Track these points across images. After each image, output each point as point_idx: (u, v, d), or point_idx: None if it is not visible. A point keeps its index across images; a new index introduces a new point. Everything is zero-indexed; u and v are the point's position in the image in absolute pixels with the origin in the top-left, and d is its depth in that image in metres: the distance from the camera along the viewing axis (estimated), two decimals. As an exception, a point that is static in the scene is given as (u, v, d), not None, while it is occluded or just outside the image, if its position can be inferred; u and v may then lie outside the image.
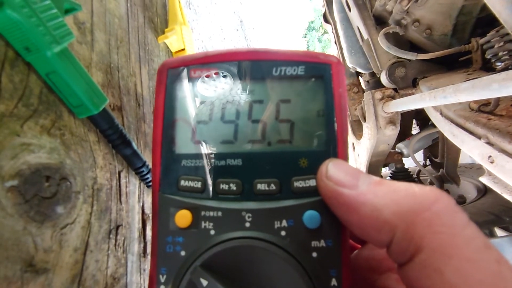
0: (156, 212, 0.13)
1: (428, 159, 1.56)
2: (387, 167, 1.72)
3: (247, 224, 0.13)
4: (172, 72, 0.15)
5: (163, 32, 0.45)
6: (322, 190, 0.13)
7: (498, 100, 0.72)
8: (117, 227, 0.26)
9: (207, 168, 0.14)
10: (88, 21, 0.29)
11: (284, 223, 0.13)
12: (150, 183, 0.31)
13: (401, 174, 1.45)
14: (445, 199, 0.11)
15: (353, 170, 0.12)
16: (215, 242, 0.13)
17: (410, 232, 0.10)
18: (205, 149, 0.14)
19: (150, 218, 0.30)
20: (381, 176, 1.51)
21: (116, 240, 0.25)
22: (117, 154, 0.28)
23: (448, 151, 1.28)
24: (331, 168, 0.13)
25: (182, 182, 0.13)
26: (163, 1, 0.47)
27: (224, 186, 0.13)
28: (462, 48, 0.95)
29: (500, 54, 0.82)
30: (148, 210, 0.31)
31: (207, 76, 0.15)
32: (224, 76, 0.15)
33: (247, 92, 0.15)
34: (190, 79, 0.15)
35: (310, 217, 0.13)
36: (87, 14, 0.29)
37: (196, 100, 0.15)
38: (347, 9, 1.32)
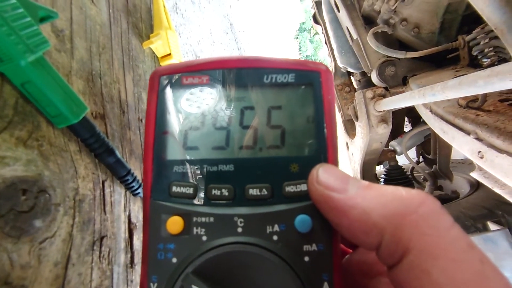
0: (147, 219, 0.13)
1: (421, 156, 1.57)
2: (381, 165, 1.73)
3: (239, 230, 0.13)
4: (164, 79, 0.15)
5: (148, 38, 0.45)
6: (313, 195, 0.13)
7: (485, 96, 0.73)
8: (102, 238, 0.25)
9: (198, 174, 0.14)
10: (67, 28, 0.29)
11: (276, 227, 0.13)
12: (136, 192, 0.30)
13: (395, 172, 1.45)
14: (430, 202, 0.11)
15: (343, 174, 0.13)
16: (207, 248, 0.12)
17: (398, 235, 0.10)
18: (196, 155, 0.14)
19: (137, 227, 0.30)
20: (376, 174, 1.52)
21: (100, 252, 0.24)
22: (100, 163, 0.28)
23: (440, 148, 1.29)
24: (322, 173, 0.13)
25: (174, 188, 0.13)
26: (148, 6, 0.47)
27: (216, 192, 0.13)
28: (449, 45, 0.96)
29: (486, 50, 0.83)
30: (135, 219, 0.31)
31: (199, 83, 0.15)
32: (216, 83, 0.15)
33: (239, 99, 0.15)
34: (182, 86, 0.15)
35: (302, 221, 0.13)
36: (66, 22, 0.29)
37: (188, 107, 0.15)
38: (336, 10, 1.32)
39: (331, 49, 1.50)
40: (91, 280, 0.23)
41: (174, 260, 0.13)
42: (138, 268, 0.28)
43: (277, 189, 0.13)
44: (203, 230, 0.13)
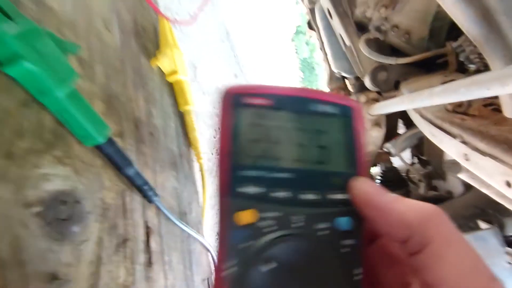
0: (224, 212, 0.17)
1: (415, 157, 1.60)
2: (378, 167, 1.75)
3: (293, 225, 0.17)
4: (235, 97, 0.19)
5: (155, 56, 0.49)
6: (357, 198, 0.17)
7: (470, 101, 0.77)
8: (124, 241, 0.29)
9: (265, 179, 0.18)
10: (88, 56, 0.33)
11: (322, 225, 0.17)
12: (152, 199, 0.34)
13: (390, 173, 1.48)
14: (444, 213, 0.16)
15: (377, 185, 0.18)
16: (271, 238, 0.16)
17: (425, 231, 0.15)
18: (262, 163, 0.18)
19: (153, 231, 0.34)
20: (372, 176, 1.55)
21: (124, 252, 0.28)
22: (121, 175, 0.32)
23: (433, 149, 1.32)
24: (363, 182, 0.18)
25: (246, 189, 0.17)
26: (154, 26, 0.51)
27: (277, 194, 0.18)
28: (438, 51, 1.00)
29: (471, 57, 0.87)
30: (151, 223, 0.34)
31: (266, 105, 0.19)
32: (279, 106, 0.19)
33: (295, 121, 0.19)
34: (252, 105, 0.19)
35: (341, 221, 0.18)
36: (86, 51, 0.33)
37: (255, 123, 0.19)
38: (329, 17, 1.36)
39: (326, 54, 1.54)
40: (119, 276, 0.26)
41: (245, 245, 0.16)
42: (155, 267, 0.32)
43: (322, 196, 0.18)
44: (268, 223, 0.17)
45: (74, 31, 0.32)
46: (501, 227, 0.94)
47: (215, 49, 1.05)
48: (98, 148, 0.29)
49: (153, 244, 0.33)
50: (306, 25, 1.79)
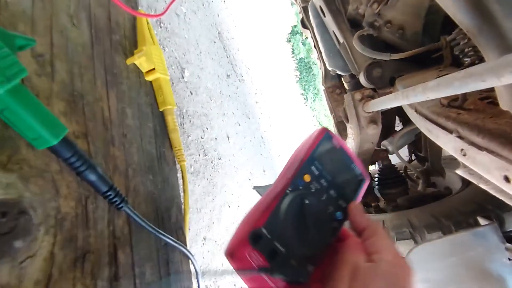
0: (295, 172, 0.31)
1: (413, 154, 1.58)
2: (376, 164, 1.73)
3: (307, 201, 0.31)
4: (325, 138, 0.35)
5: (133, 54, 0.46)
6: (349, 210, 0.32)
7: (465, 95, 0.74)
8: (84, 254, 0.26)
9: (314, 176, 0.33)
10: (48, 52, 0.30)
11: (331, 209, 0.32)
12: (120, 205, 0.31)
13: (389, 171, 1.46)
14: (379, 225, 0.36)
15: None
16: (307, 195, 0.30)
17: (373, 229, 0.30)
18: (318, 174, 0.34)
19: (122, 241, 0.31)
20: (370, 174, 1.53)
21: (83, 268, 0.25)
22: (83, 180, 0.29)
23: (431, 145, 1.30)
24: (354, 205, 0.32)
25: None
26: (132, 23, 0.48)
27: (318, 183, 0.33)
28: (433, 46, 0.98)
29: (465, 50, 0.85)
30: (120, 233, 0.32)
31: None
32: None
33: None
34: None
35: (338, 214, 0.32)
36: (46, 47, 0.30)
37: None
38: (322, 15, 1.34)
39: (320, 52, 1.52)
40: (74, 295, 0.24)
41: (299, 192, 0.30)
42: (123, 281, 0.29)
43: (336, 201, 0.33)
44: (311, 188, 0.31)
45: (32, 27, 0.30)
46: (501, 222, 0.91)
47: (206, 49, 1.02)
48: (52, 151, 0.26)
49: (121, 256, 0.30)
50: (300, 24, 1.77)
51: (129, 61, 0.43)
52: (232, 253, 0.26)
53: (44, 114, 0.25)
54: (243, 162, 1.07)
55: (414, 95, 0.70)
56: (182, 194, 0.46)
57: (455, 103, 0.74)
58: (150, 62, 0.45)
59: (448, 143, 0.72)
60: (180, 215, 0.44)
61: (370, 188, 1.44)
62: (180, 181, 0.47)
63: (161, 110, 0.48)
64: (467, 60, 0.83)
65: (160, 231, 0.36)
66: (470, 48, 0.78)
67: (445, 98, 0.74)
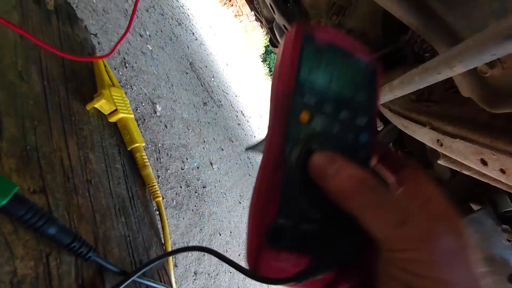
0: (286, 113, 0.21)
1: (399, 151, 1.59)
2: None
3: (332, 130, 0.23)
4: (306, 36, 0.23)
5: (93, 98, 0.46)
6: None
7: (431, 88, 0.76)
8: (48, 317, 0.24)
9: (319, 98, 0.23)
10: (-6, 111, 0.30)
11: (350, 135, 0.24)
12: (87, 255, 0.30)
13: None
14: None
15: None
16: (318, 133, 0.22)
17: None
18: (318, 89, 0.23)
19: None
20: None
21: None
22: (43, 236, 0.28)
23: (413, 140, 1.32)
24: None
25: (305, 99, 0.22)
26: (89, 68, 0.49)
27: (325, 108, 0.23)
28: (394, 46, 1.01)
29: (424, 46, 0.88)
30: (91, 285, 0.30)
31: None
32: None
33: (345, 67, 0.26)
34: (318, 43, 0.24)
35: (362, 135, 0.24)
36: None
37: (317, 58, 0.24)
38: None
39: (292, 67, 1.55)
40: None
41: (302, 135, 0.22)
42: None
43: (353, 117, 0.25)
44: (317, 124, 0.22)
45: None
46: (495, 205, 0.91)
47: (178, 82, 1.04)
48: (3, 211, 0.25)
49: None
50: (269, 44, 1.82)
51: (88, 106, 0.43)
52: (256, 268, 0.19)
53: (-12, 175, 0.24)
54: (230, 186, 1.06)
55: (383, 95, 0.71)
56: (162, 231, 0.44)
57: (424, 97, 0.76)
58: (111, 104, 0.45)
59: (424, 136, 0.73)
60: (161, 253, 0.42)
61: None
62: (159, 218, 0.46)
63: (129, 149, 0.47)
64: (427, 55, 0.86)
65: (136, 275, 0.34)
66: (427, 44, 0.82)
67: (413, 93, 0.76)
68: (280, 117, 0.22)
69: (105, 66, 0.49)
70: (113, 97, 0.46)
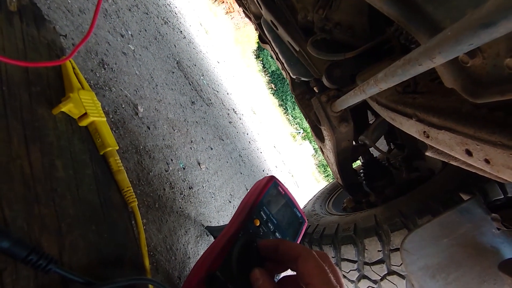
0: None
1: (391, 143, 1.59)
2: (359, 160, 1.73)
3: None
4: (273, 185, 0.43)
5: (60, 102, 0.44)
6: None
7: (415, 79, 0.75)
8: None
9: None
10: None
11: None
12: (48, 267, 0.28)
13: (372, 164, 1.46)
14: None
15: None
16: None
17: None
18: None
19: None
20: (355, 170, 1.51)
21: None
22: (-5, 252, 0.26)
23: (404, 132, 1.31)
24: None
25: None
26: (57, 71, 0.47)
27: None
28: (381, 38, 1.00)
29: (410, 37, 0.87)
30: (52, 300, 0.28)
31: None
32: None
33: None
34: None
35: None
36: None
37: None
38: (274, 28, 1.37)
39: (282, 63, 1.54)
40: None
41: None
42: None
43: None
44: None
45: None
46: (485, 194, 0.91)
47: (163, 81, 1.02)
48: None
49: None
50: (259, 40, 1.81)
51: (55, 111, 0.41)
52: None
53: None
54: (219, 185, 1.04)
55: (369, 88, 0.70)
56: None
57: (409, 89, 0.75)
58: (79, 107, 0.43)
59: (411, 128, 0.72)
60: (136, 260, 0.40)
61: (359, 185, 1.43)
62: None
63: (101, 153, 0.46)
64: (413, 46, 0.85)
65: (106, 283, 0.33)
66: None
67: (399, 85, 0.75)
68: (243, 216, 0.35)
69: (73, 68, 0.47)
70: (82, 100, 0.44)
